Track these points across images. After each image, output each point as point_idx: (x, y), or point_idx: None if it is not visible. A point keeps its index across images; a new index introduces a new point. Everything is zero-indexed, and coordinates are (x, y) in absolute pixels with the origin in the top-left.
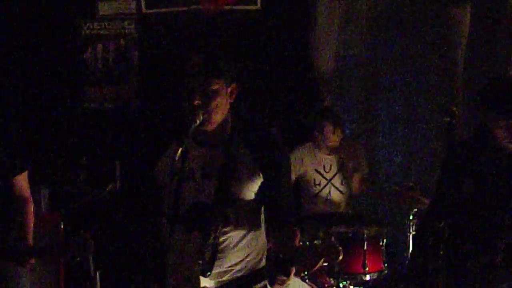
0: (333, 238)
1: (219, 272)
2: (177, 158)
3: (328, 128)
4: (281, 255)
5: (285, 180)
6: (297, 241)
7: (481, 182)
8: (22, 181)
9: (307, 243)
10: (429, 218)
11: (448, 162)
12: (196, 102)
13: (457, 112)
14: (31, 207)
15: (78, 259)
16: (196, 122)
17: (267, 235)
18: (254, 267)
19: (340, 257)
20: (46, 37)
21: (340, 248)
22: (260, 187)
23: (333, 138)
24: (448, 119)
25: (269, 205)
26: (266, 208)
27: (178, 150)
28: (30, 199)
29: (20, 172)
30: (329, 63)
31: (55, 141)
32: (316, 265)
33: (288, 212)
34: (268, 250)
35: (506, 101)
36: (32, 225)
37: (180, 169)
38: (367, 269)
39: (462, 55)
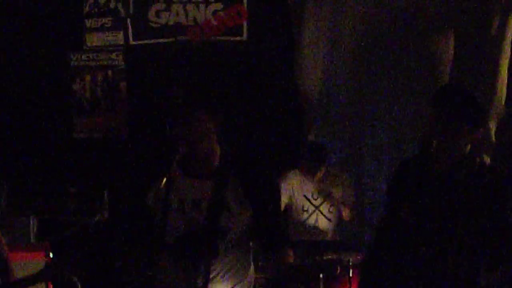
0: (330, 256)
1: None
2: (162, 188)
3: (309, 169)
4: (281, 275)
5: (276, 206)
6: (292, 260)
7: (417, 208)
8: None
9: (306, 260)
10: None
11: (390, 183)
12: (178, 131)
13: (434, 142)
14: (4, 246)
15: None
16: (179, 152)
17: (259, 260)
18: None
19: (338, 272)
20: (34, 68)
21: (338, 264)
22: (251, 216)
23: (315, 177)
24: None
25: (262, 231)
26: (259, 234)
27: (162, 181)
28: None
29: None
30: (315, 92)
31: (44, 170)
32: (317, 280)
33: (282, 235)
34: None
35: (442, 92)
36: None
37: (164, 199)
38: None
39: (446, 82)
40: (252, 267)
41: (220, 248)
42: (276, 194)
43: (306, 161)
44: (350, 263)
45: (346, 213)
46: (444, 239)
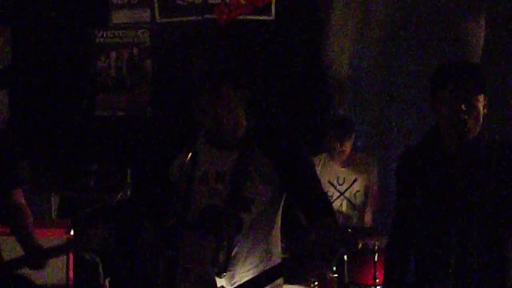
0: (349, 230)
1: (234, 275)
2: (187, 162)
3: (334, 141)
4: (301, 250)
5: (312, 176)
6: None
7: (428, 194)
8: (19, 194)
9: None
10: (396, 237)
11: (398, 171)
12: (203, 105)
13: (469, 121)
14: (30, 217)
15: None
16: (204, 125)
17: (282, 240)
18: None
19: (359, 246)
20: (59, 45)
21: (358, 238)
22: (289, 190)
23: (340, 152)
24: (460, 127)
25: (304, 204)
26: (302, 207)
27: (188, 154)
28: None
29: (18, 185)
30: (343, 74)
31: (67, 148)
32: (335, 255)
33: (326, 204)
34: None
35: (452, 70)
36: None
37: (189, 173)
38: (377, 281)
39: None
40: (279, 246)
41: (244, 221)
42: (311, 164)
43: (332, 134)
44: (376, 248)
45: (370, 200)
46: (466, 221)
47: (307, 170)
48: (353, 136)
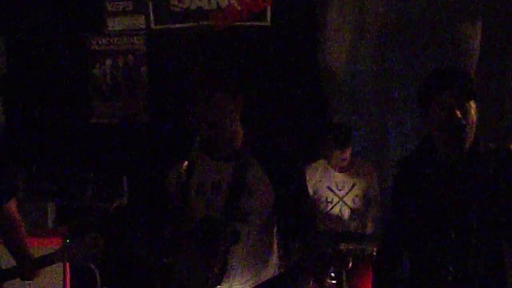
0: (342, 246)
1: (229, 287)
2: (183, 171)
3: (334, 149)
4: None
5: (301, 190)
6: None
7: (426, 203)
8: (13, 205)
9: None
10: (386, 246)
11: (394, 180)
12: (199, 113)
13: (467, 126)
14: (24, 228)
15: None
16: (200, 134)
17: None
18: None
19: (350, 265)
20: (54, 52)
21: (350, 256)
22: (276, 201)
23: (340, 160)
24: (458, 134)
25: (289, 216)
26: (286, 219)
27: (184, 163)
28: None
29: (12, 197)
30: (340, 79)
31: (63, 156)
32: (325, 273)
33: (310, 220)
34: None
35: (445, 77)
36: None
37: (185, 183)
38: None
39: (473, 71)
40: (275, 255)
41: (240, 232)
42: (300, 177)
43: (331, 143)
44: (375, 254)
45: (367, 205)
46: (465, 229)
47: (296, 184)
48: (352, 144)
